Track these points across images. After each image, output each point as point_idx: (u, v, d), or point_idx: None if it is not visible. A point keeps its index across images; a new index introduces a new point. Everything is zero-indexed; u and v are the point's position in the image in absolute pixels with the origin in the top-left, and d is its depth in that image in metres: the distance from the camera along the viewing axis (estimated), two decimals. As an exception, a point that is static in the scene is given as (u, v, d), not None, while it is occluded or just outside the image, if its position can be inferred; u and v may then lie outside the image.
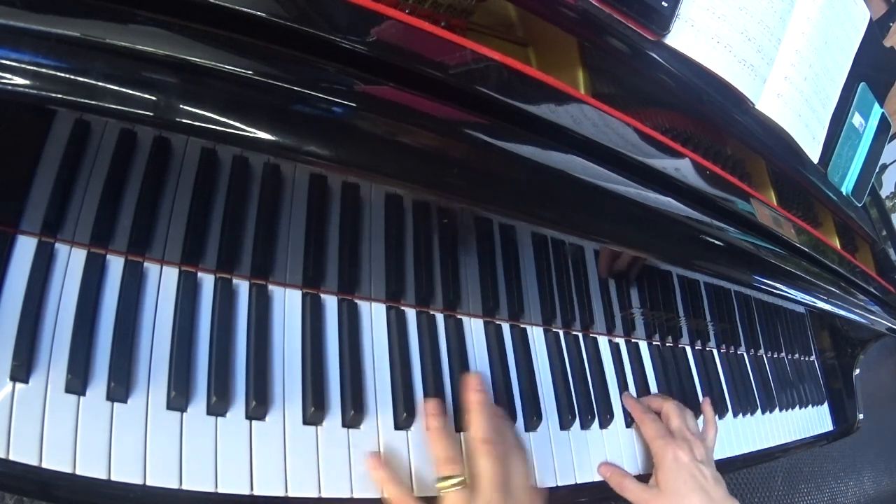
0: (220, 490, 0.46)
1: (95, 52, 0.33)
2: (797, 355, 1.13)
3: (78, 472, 0.42)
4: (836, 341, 1.19)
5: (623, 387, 0.75)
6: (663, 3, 0.55)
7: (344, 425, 0.53)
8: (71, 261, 0.47)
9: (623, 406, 0.74)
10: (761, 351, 1.03)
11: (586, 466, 0.68)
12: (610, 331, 0.77)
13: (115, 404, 0.45)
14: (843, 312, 0.82)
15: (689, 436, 0.71)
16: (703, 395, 0.86)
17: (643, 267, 0.72)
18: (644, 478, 0.71)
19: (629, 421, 0.74)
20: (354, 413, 0.53)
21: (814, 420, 1.11)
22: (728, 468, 0.86)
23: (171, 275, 0.50)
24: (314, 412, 0.51)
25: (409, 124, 0.42)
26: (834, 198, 0.79)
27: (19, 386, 0.42)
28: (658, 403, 0.75)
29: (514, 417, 0.63)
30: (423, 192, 0.50)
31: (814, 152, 0.72)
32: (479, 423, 0.53)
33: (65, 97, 0.32)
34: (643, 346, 0.81)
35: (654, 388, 0.80)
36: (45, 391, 0.42)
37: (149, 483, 0.44)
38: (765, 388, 0.99)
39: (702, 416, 0.80)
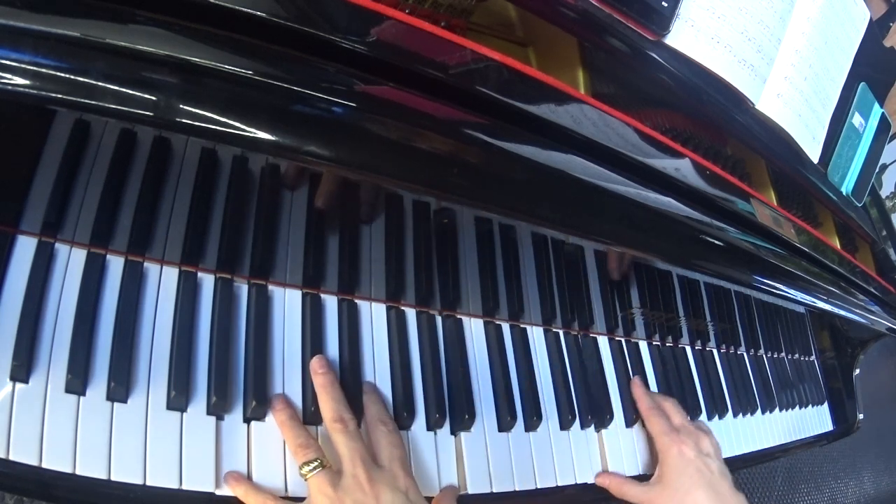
0: (220, 490, 0.46)
1: (95, 52, 0.33)
2: (797, 355, 1.13)
3: (78, 472, 0.42)
4: (836, 341, 1.19)
5: (623, 387, 0.75)
6: (663, 3, 0.55)
7: (344, 425, 0.53)
8: (71, 261, 0.47)
9: (624, 402, 0.74)
10: (761, 351, 1.03)
11: (586, 466, 0.68)
12: (610, 331, 0.77)
13: (115, 404, 0.45)
14: (843, 312, 0.82)
15: (692, 430, 0.71)
16: (704, 395, 0.86)
17: (643, 267, 0.72)
18: (646, 478, 0.71)
19: (629, 420, 0.74)
20: (354, 413, 0.53)
21: (814, 420, 1.11)
22: (728, 468, 0.85)
23: (171, 275, 0.50)
24: (314, 412, 0.51)
25: (409, 124, 0.42)
26: (834, 198, 0.79)
27: (19, 386, 0.42)
28: (658, 399, 0.75)
29: (514, 417, 0.63)
30: (424, 192, 0.50)
31: (814, 152, 0.72)
32: (327, 404, 0.51)
33: (65, 97, 0.32)
34: (643, 346, 0.81)
35: (653, 388, 0.80)
36: (45, 391, 0.43)
37: (149, 483, 0.44)
38: (765, 388, 0.99)
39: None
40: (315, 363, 0.53)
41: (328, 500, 0.47)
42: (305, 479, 0.48)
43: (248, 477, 0.48)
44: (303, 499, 0.49)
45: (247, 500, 0.47)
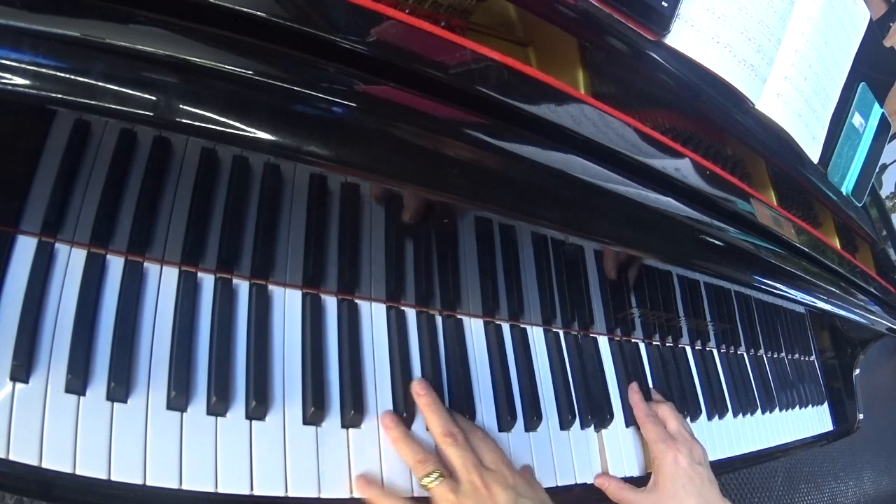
0: (220, 490, 0.46)
1: (95, 52, 0.33)
2: (797, 355, 1.13)
3: (78, 472, 0.42)
4: (836, 341, 1.19)
5: (623, 387, 0.75)
6: (663, 3, 0.55)
7: (344, 425, 0.53)
8: (71, 261, 0.47)
9: (624, 402, 0.75)
10: (761, 351, 1.03)
11: (586, 466, 0.68)
12: (610, 331, 0.77)
13: (115, 404, 0.45)
14: (843, 312, 0.82)
15: (687, 437, 0.72)
16: (704, 395, 0.86)
17: (643, 267, 0.72)
18: (645, 480, 0.71)
19: (629, 421, 0.74)
20: (354, 413, 0.53)
21: (814, 420, 1.11)
22: (728, 468, 0.86)
23: (171, 275, 0.50)
24: (314, 412, 0.51)
25: (410, 124, 0.42)
26: (834, 198, 0.79)
27: (19, 386, 0.42)
28: (654, 405, 0.76)
29: (514, 417, 0.63)
30: (423, 192, 0.50)
31: (814, 152, 0.72)
32: (435, 421, 0.56)
33: (65, 97, 0.32)
34: (643, 346, 0.81)
35: (653, 388, 0.80)
36: (45, 391, 0.43)
37: (149, 483, 0.44)
38: (765, 388, 0.99)
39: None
40: (417, 386, 0.58)
41: None
42: (427, 490, 0.53)
43: (250, 476, 0.48)
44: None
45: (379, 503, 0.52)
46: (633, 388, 0.76)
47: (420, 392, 0.57)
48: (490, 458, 0.56)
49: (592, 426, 0.70)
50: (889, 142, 0.87)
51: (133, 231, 0.47)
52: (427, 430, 0.57)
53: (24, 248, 0.45)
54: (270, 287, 0.54)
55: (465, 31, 0.53)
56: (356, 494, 0.52)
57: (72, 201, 0.44)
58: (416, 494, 0.54)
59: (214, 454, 0.47)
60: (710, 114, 0.63)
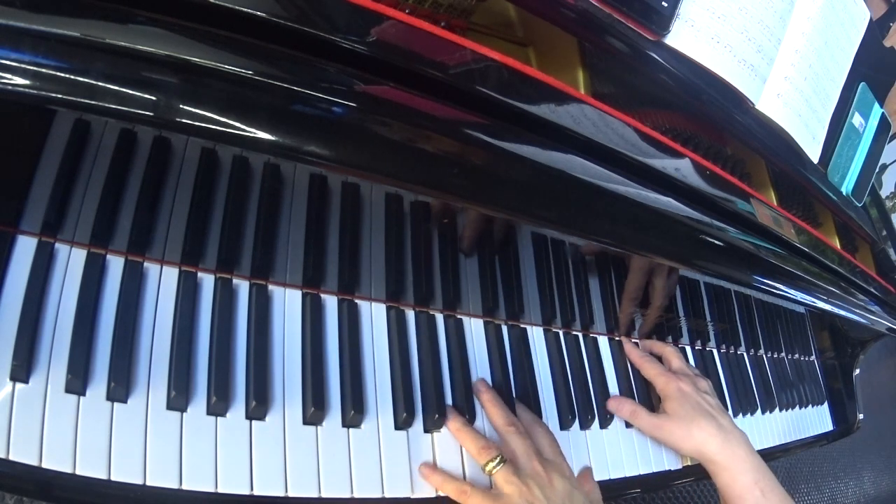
0: (220, 490, 0.46)
1: (95, 52, 0.33)
2: (797, 355, 1.13)
3: (78, 472, 0.42)
4: (836, 341, 1.19)
5: (624, 387, 0.75)
6: (663, 3, 0.55)
7: (344, 425, 0.53)
8: (71, 261, 0.47)
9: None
10: (761, 351, 1.03)
11: (586, 466, 0.68)
12: (610, 331, 0.77)
13: (115, 404, 0.45)
14: (843, 312, 0.82)
15: (689, 373, 0.75)
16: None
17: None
18: (646, 479, 0.71)
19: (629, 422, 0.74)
20: (354, 413, 0.53)
21: (814, 420, 1.11)
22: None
23: (171, 275, 0.50)
24: (314, 412, 0.51)
25: (409, 124, 0.42)
26: (834, 198, 0.79)
27: (19, 386, 0.42)
28: (658, 348, 0.79)
29: (514, 417, 0.63)
30: (423, 192, 0.50)
31: (814, 152, 0.72)
32: (497, 413, 0.60)
33: (65, 97, 0.32)
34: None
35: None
36: (45, 391, 0.43)
37: (149, 483, 0.44)
38: (765, 388, 0.99)
39: None
40: (480, 384, 0.62)
41: (516, 487, 0.54)
42: (490, 475, 0.55)
43: (250, 476, 0.48)
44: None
45: (444, 488, 0.54)
46: (624, 341, 0.78)
47: (483, 389, 0.61)
48: (549, 450, 0.60)
49: (592, 426, 0.70)
50: (889, 142, 0.87)
51: (133, 231, 0.47)
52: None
53: (24, 248, 0.45)
54: (270, 287, 0.54)
55: (465, 31, 0.53)
56: (417, 482, 0.54)
57: (72, 201, 0.44)
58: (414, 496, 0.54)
59: (214, 454, 0.47)
60: (710, 114, 0.63)
